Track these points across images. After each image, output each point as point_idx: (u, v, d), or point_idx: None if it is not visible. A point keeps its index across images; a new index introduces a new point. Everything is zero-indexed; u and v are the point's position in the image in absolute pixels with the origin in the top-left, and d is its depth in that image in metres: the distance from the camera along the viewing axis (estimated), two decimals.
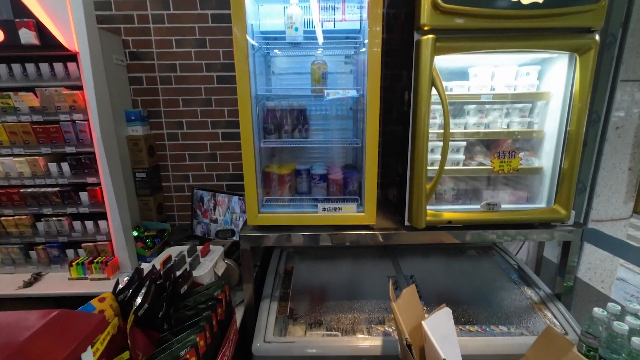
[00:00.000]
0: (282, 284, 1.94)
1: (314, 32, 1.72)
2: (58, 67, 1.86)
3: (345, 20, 1.71)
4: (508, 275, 1.97)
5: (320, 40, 1.72)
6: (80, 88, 1.86)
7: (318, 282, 1.99)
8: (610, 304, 1.35)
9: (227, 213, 2.30)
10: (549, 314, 1.67)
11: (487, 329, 1.59)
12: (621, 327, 1.23)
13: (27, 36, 1.73)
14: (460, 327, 1.60)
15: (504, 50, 1.49)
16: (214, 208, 2.35)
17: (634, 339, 1.17)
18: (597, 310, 1.34)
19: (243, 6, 1.42)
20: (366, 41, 1.47)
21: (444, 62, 1.51)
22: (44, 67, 1.86)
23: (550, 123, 1.64)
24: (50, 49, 1.79)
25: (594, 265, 2.47)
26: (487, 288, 1.88)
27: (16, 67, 1.86)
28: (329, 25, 1.77)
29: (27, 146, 1.96)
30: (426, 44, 1.40)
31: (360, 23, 1.74)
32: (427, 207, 1.61)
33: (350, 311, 1.74)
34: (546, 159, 1.68)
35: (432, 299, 1.79)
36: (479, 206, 1.64)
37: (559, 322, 1.61)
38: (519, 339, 1.53)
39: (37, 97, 1.88)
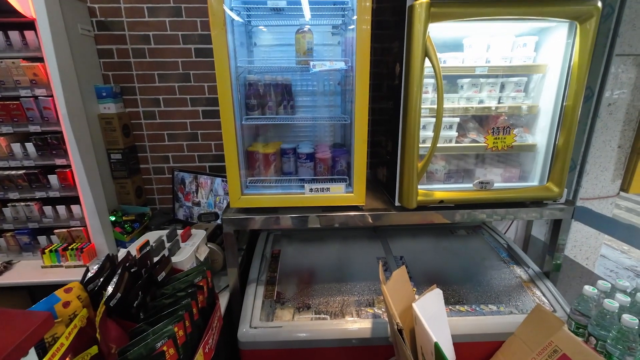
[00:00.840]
0: (268, 268, 1.88)
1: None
2: (14, 35, 1.68)
3: None
4: (497, 254, 1.96)
5: (306, 7, 1.58)
6: (41, 60, 1.69)
7: (306, 265, 1.93)
8: (600, 282, 1.33)
9: (210, 195, 2.20)
10: (538, 292, 1.67)
11: (477, 309, 1.57)
12: (612, 304, 1.22)
13: None
14: (450, 307, 1.58)
15: (501, 18, 1.39)
16: (196, 191, 2.24)
17: (624, 316, 1.15)
18: (588, 288, 1.33)
19: None
20: (354, 8, 1.35)
21: (437, 31, 1.40)
22: None
23: (546, 98, 1.57)
24: (3, 15, 1.60)
25: (580, 243, 2.50)
26: (476, 267, 1.87)
27: None
28: None
29: None
30: (420, 9, 1.29)
31: None
32: (418, 187, 1.55)
33: (339, 294, 1.70)
34: (540, 135, 1.62)
35: (422, 280, 1.77)
36: (471, 185, 1.58)
37: (548, 301, 1.61)
38: (508, 317, 1.52)
39: None
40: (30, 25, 1.64)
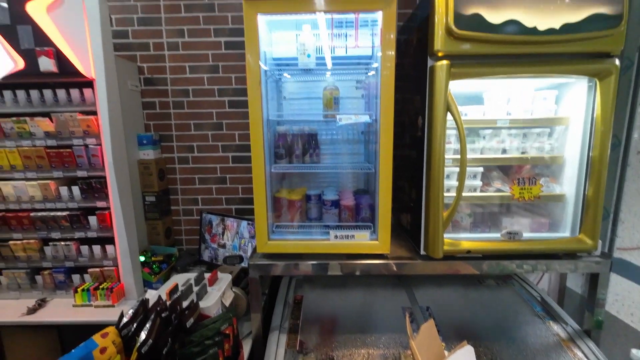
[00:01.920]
0: (291, 315, 1.85)
1: (325, 58, 1.72)
2: (74, 93, 1.90)
3: (358, 47, 1.72)
4: (531, 308, 1.85)
5: (331, 66, 1.73)
6: (94, 113, 1.89)
7: (329, 312, 1.89)
8: None
9: (236, 238, 2.26)
10: (580, 353, 1.55)
11: None
12: None
13: (46, 64, 1.77)
14: None
15: (520, 76, 1.46)
16: (223, 233, 2.31)
17: None
18: (636, 353, 1.23)
19: (256, 35, 1.44)
20: (378, 66, 1.47)
21: (457, 86, 1.48)
22: (61, 93, 1.89)
23: (571, 148, 1.58)
24: (67, 76, 1.83)
25: (622, 297, 2.32)
26: (509, 322, 1.77)
27: (34, 94, 1.90)
28: (341, 52, 1.78)
29: (39, 170, 1.97)
30: (441, 70, 1.38)
31: (372, 49, 1.74)
32: (446, 236, 1.55)
33: (364, 346, 1.64)
34: (568, 185, 1.61)
35: (450, 334, 1.68)
36: (498, 235, 1.56)
37: None
38: None
39: (52, 122, 1.91)
40: (89, 84, 1.86)
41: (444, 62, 1.38)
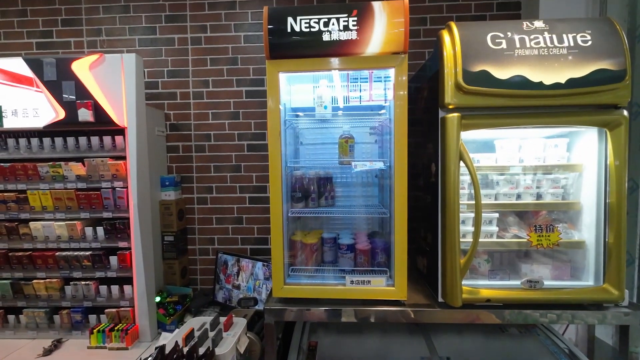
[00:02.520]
0: None
1: (343, 108, 1.83)
2: (107, 140, 2.04)
3: (372, 101, 1.82)
4: None
5: (348, 116, 1.83)
6: (124, 158, 2.01)
7: None
8: None
9: (251, 279, 2.26)
10: None
11: None
12: None
13: (85, 114, 1.93)
14: None
15: (530, 126, 1.51)
16: (237, 273, 2.32)
17: None
18: None
19: (278, 91, 1.56)
20: (391, 116, 1.55)
21: (470, 135, 1.54)
22: (95, 140, 2.04)
23: (587, 194, 1.59)
24: (102, 125, 1.98)
25: None
26: None
27: (70, 140, 2.05)
28: (356, 102, 1.88)
29: (68, 211, 2.07)
30: (452, 122, 1.45)
31: (385, 99, 1.84)
32: (462, 283, 1.53)
33: None
34: (587, 232, 1.59)
35: None
36: (518, 282, 1.53)
37: None
38: None
39: (84, 166, 2.04)
40: (121, 131, 2.01)
41: (455, 114, 1.45)
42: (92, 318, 2.12)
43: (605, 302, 1.50)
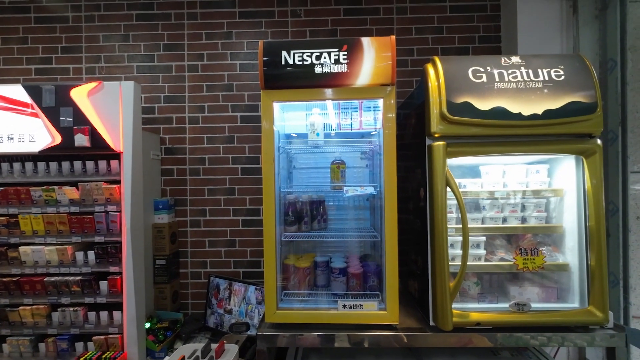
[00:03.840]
0: None
1: (334, 135, 1.90)
2: (102, 164, 2.06)
3: (362, 129, 1.90)
4: None
5: (339, 143, 1.90)
6: (118, 182, 2.03)
7: None
8: None
9: (243, 303, 2.24)
10: None
11: None
12: None
13: (81, 140, 1.97)
14: None
15: (512, 153, 1.59)
16: (229, 297, 2.30)
17: None
18: None
19: (272, 119, 1.62)
20: (380, 143, 1.62)
21: (456, 161, 1.62)
22: (90, 164, 2.06)
23: (569, 218, 1.65)
24: (98, 150, 2.01)
25: None
26: None
27: (65, 165, 2.07)
28: (347, 129, 1.96)
29: (59, 235, 2.06)
30: (438, 150, 1.52)
31: (375, 127, 1.92)
32: (452, 306, 1.55)
33: None
34: (571, 254, 1.65)
35: None
36: (507, 305, 1.56)
37: None
38: None
39: (78, 190, 2.05)
40: (117, 156, 2.04)
41: (441, 142, 1.53)
42: (79, 346, 2.06)
43: (591, 325, 1.53)
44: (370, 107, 1.88)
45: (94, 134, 1.99)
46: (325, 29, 2.51)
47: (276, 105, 1.71)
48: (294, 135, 2.06)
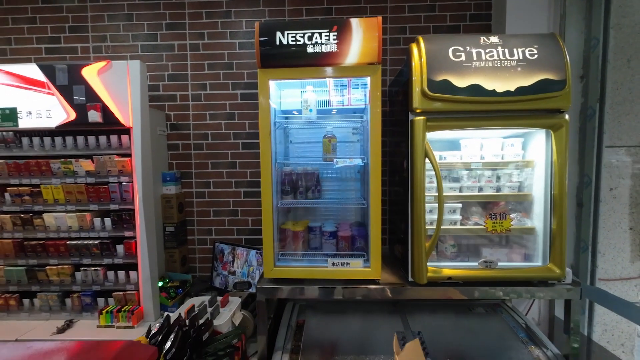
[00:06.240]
0: (293, 337, 2.02)
1: (325, 111, 2.05)
2: (114, 139, 2.24)
3: (350, 105, 2.04)
4: (516, 334, 1.99)
5: (332, 117, 2.05)
6: (129, 155, 2.22)
7: (328, 336, 2.06)
8: None
9: (245, 266, 2.48)
10: None
11: None
12: None
13: (94, 116, 2.13)
14: None
15: (487, 127, 1.74)
16: (233, 261, 2.54)
17: None
18: None
19: (268, 96, 1.77)
20: (368, 118, 1.77)
21: (438, 135, 1.77)
22: (103, 139, 2.24)
23: (538, 187, 1.82)
24: (109, 125, 2.18)
25: (611, 327, 2.43)
26: (494, 346, 1.91)
27: (80, 139, 2.25)
28: (339, 106, 2.10)
29: (78, 203, 2.28)
30: (418, 124, 1.68)
31: (365, 104, 2.06)
32: (429, 264, 1.76)
33: None
34: (537, 220, 1.83)
35: (439, 357, 1.83)
36: (476, 263, 1.76)
37: None
38: None
39: (93, 162, 2.24)
40: (127, 131, 2.21)
41: (421, 117, 1.68)
42: (101, 301, 2.33)
43: (550, 280, 1.73)
44: (358, 85, 2.01)
45: (105, 111, 2.16)
46: (321, 7, 2.59)
47: (272, 83, 1.86)
48: (293, 112, 2.21)
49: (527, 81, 1.62)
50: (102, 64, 2.14)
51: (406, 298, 1.78)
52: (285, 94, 2.20)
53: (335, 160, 1.89)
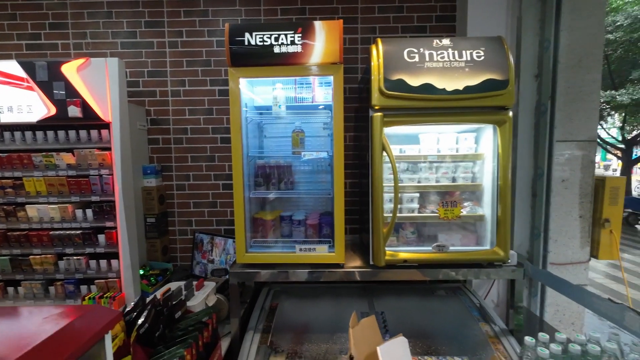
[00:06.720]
0: (266, 318, 2.18)
1: (295, 107, 2.18)
2: (94, 133, 2.34)
3: (319, 102, 2.17)
4: (470, 313, 2.18)
5: (302, 112, 2.18)
6: (109, 149, 2.32)
7: (299, 317, 2.22)
8: (540, 334, 1.57)
9: (223, 254, 2.61)
10: (501, 347, 1.86)
11: None
12: (543, 351, 1.45)
13: (74, 111, 2.22)
14: (419, 357, 1.80)
15: (440, 123, 1.90)
16: (211, 250, 2.67)
17: None
18: (528, 339, 1.56)
19: (238, 94, 1.90)
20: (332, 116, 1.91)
21: (398, 130, 1.93)
22: (83, 133, 2.33)
23: (487, 178, 1.99)
24: (89, 120, 2.27)
25: (562, 308, 2.63)
26: (450, 324, 2.09)
27: (61, 134, 2.34)
28: (308, 102, 2.23)
29: (60, 195, 2.37)
30: (376, 119, 1.82)
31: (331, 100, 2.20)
32: (390, 249, 1.92)
33: (326, 343, 1.96)
34: (487, 208, 2.00)
35: (399, 332, 2.00)
36: (430, 247, 1.93)
37: (509, 354, 1.80)
38: None
39: (74, 156, 2.33)
40: (106, 126, 2.31)
41: (379, 114, 1.82)
42: (84, 288, 2.43)
43: (496, 261, 1.91)
44: (322, 83, 2.15)
45: (85, 106, 2.25)
46: (295, 7, 2.70)
47: (244, 81, 1.98)
48: (267, 108, 2.33)
49: (474, 81, 1.78)
50: (81, 61, 2.23)
51: (367, 280, 1.94)
52: (258, 91, 2.32)
53: (302, 153, 2.02)
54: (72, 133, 2.34)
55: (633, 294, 5.70)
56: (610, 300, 1.64)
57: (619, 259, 2.48)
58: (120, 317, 1.00)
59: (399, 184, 1.94)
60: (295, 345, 1.94)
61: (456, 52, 1.81)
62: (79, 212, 2.40)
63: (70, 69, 2.23)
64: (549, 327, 2.35)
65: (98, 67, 2.25)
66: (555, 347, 1.48)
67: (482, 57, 1.80)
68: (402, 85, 1.78)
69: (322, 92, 2.18)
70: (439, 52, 1.82)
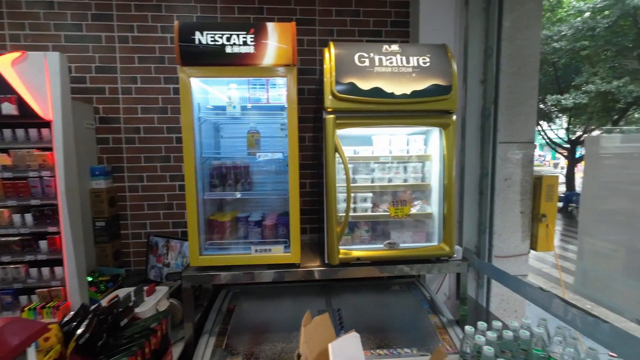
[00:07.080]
0: (222, 321, 2.15)
1: (250, 108, 2.17)
2: (32, 132, 2.18)
3: (274, 103, 2.17)
4: (421, 306, 2.29)
5: (257, 113, 2.17)
6: (50, 149, 2.17)
7: (256, 318, 2.22)
8: (479, 322, 1.69)
9: (179, 257, 2.54)
10: (447, 337, 1.98)
11: (394, 352, 1.86)
12: (479, 339, 1.57)
13: (8, 108, 2.06)
14: (371, 351, 1.87)
15: (389, 125, 1.97)
16: (167, 253, 2.59)
17: (485, 347, 1.50)
18: (468, 328, 1.68)
19: (189, 94, 1.85)
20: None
21: (351, 131, 1.98)
22: (20, 132, 2.17)
23: (435, 178, 2.10)
24: (27, 118, 2.12)
25: (507, 297, 2.84)
26: (402, 317, 2.19)
27: None
28: (265, 103, 2.23)
29: None
30: (329, 121, 1.86)
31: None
32: (345, 248, 1.97)
33: (283, 342, 1.98)
34: (435, 206, 2.11)
35: (355, 329, 2.06)
36: (382, 245, 2.01)
37: (454, 343, 1.92)
38: (419, 358, 1.81)
39: (9, 156, 2.16)
40: (47, 124, 2.16)
41: (332, 116, 1.86)
42: (23, 299, 2.27)
43: (442, 257, 2.03)
44: (275, 85, 2.16)
45: (21, 103, 2.09)
46: (252, 6, 2.68)
47: (197, 80, 1.94)
48: (219, 108, 2.29)
49: (421, 85, 1.87)
50: (16, 54, 2.07)
51: (324, 279, 1.97)
52: (214, 90, 2.28)
53: (257, 154, 2.02)
54: (7, 132, 2.17)
55: (571, 280, 6.25)
56: (540, 289, 1.80)
57: (554, 250, 2.72)
58: (45, 330, 0.95)
59: (353, 184, 2.00)
60: (252, 347, 1.94)
61: (404, 58, 1.89)
62: (16, 217, 2.22)
63: (3, 63, 2.06)
64: (493, 317, 2.53)
65: (36, 62, 2.10)
66: (491, 335, 1.60)
67: (428, 64, 1.90)
68: (353, 88, 1.83)
69: (278, 93, 2.19)
70: (388, 58, 1.89)
